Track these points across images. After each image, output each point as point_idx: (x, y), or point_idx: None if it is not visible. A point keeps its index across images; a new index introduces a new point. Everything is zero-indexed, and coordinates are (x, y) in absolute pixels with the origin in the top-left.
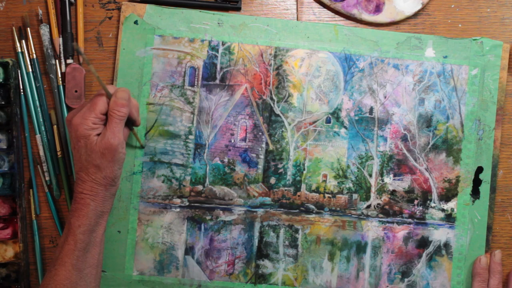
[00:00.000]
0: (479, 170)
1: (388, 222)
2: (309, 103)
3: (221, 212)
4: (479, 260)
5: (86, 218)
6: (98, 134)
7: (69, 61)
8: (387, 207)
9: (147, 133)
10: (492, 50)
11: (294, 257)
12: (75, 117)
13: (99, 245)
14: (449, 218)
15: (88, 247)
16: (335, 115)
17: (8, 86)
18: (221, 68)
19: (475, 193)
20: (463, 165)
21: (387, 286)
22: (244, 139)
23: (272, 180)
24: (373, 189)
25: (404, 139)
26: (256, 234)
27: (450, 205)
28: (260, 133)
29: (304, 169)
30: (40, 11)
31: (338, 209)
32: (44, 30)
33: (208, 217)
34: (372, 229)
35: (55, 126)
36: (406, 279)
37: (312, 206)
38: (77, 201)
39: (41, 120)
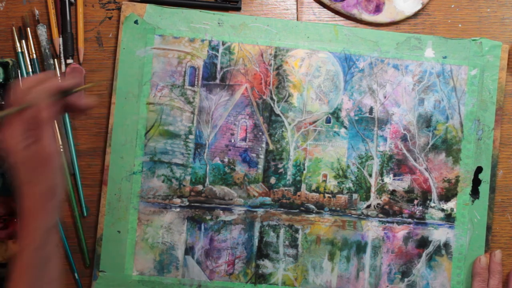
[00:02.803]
0: (479, 170)
1: (388, 222)
2: (309, 103)
3: (221, 212)
4: (479, 260)
5: (31, 237)
6: (31, 144)
7: (69, 61)
8: (387, 207)
9: (147, 132)
10: (491, 50)
11: (294, 257)
12: (1, 131)
13: (55, 258)
14: (449, 218)
15: (41, 265)
16: (335, 115)
17: (8, 86)
18: (221, 68)
19: (475, 193)
20: (463, 165)
21: (387, 286)
22: (244, 139)
23: (272, 180)
24: (373, 189)
25: (404, 139)
26: (256, 234)
27: (450, 205)
28: (260, 133)
29: (304, 169)
30: (37, 12)
31: (338, 209)
32: (41, 31)
33: (208, 217)
34: (372, 229)
35: (54, 121)
36: (406, 279)
37: (312, 206)
38: (20, 219)
39: None
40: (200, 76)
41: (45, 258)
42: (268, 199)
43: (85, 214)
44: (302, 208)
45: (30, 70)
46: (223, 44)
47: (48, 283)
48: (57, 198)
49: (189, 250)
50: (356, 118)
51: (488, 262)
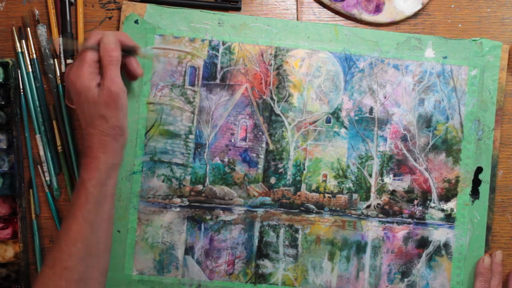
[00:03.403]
0: (479, 170)
1: (388, 222)
2: (309, 103)
3: (221, 211)
4: (483, 260)
5: (97, 171)
6: (98, 85)
7: (69, 61)
8: (387, 207)
9: (147, 132)
10: (492, 50)
11: (294, 257)
12: (71, 73)
13: (111, 198)
14: (449, 218)
15: (100, 201)
16: (335, 115)
17: (8, 86)
18: (222, 68)
19: (475, 193)
20: (463, 165)
21: (387, 286)
22: (244, 139)
23: (272, 180)
24: (373, 189)
25: (404, 139)
26: (256, 234)
27: (450, 205)
28: (260, 133)
29: (304, 169)
30: (37, 12)
31: (338, 209)
32: (41, 31)
33: (208, 217)
34: (372, 229)
35: (54, 121)
36: (406, 279)
37: (312, 206)
38: (87, 155)
39: (41, 120)
40: (200, 76)
41: (104, 195)
42: (268, 199)
43: None
44: (302, 208)
45: (30, 70)
46: (224, 44)
47: (102, 220)
48: (124, 139)
49: (189, 250)
50: (356, 118)
51: (491, 262)
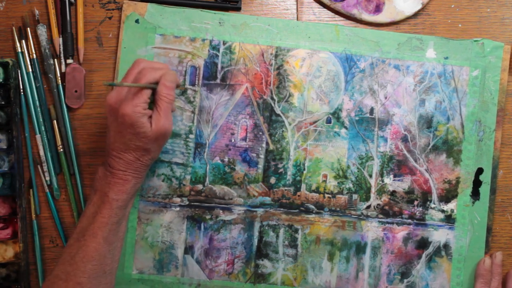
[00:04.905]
0: (479, 171)
1: (387, 222)
2: (309, 103)
3: (221, 211)
4: (483, 262)
5: (125, 194)
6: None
7: (69, 61)
8: (387, 207)
9: None
10: (493, 51)
11: (294, 257)
12: (124, 105)
13: (127, 218)
14: (449, 219)
15: (120, 221)
16: (335, 115)
17: (8, 86)
18: (222, 68)
19: (475, 194)
20: (463, 166)
21: (387, 287)
22: (244, 139)
23: (272, 180)
24: (373, 190)
25: (405, 139)
26: (256, 233)
27: (450, 206)
28: (261, 133)
29: (304, 169)
30: (37, 12)
31: (338, 209)
32: (41, 31)
33: (208, 217)
34: (371, 230)
35: (54, 121)
36: (405, 280)
37: (312, 206)
38: (119, 176)
39: (41, 120)
40: (201, 75)
41: (124, 215)
42: (268, 199)
43: None
44: (302, 208)
45: (30, 70)
46: (224, 43)
47: (118, 239)
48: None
49: (188, 249)
50: (357, 118)
51: (491, 264)
